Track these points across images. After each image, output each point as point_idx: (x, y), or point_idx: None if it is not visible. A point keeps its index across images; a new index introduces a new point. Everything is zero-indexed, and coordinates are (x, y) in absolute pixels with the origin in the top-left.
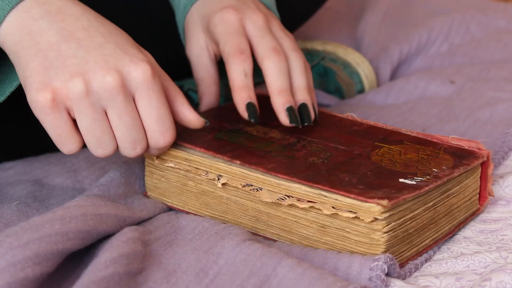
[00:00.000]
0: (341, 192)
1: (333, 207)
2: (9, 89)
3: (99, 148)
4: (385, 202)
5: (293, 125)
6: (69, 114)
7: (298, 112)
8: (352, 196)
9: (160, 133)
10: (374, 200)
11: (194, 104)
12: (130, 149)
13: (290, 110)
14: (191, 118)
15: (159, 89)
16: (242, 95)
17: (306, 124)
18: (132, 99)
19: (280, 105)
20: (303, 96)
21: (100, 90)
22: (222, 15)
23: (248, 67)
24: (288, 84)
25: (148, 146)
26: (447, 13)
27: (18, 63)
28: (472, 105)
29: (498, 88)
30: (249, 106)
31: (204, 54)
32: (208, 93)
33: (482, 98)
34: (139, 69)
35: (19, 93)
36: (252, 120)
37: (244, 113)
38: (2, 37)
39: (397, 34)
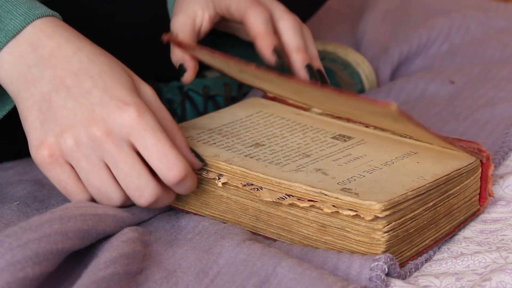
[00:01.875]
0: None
1: (333, 206)
2: (2, 113)
3: (103, 199)
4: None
5: (313, 80)
6: (72, 166)
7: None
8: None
9: (166, 170)
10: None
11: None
12: (138, 197)
13: (309, 67)
14: (188, 159)
15: (151, 126)
16: (268, 41)
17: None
18: (127, 145)
19: (299, 61)
20: (317, 63)
21: (89, 141)
22: None
23: (269, 16)
24: (304, 43)
25: (162, 190)
26: (447, 13)
27: (20, 114)
28: (472, 105)
29: (498, 88)
30: (276, 51)
31: (188, 22)
32: (188, 65)
33: (482, 98)
34: (124, 114)
35: None
36: (278, 63)
37: (271, 58)
38: (4, 84)
39: (397, 34)
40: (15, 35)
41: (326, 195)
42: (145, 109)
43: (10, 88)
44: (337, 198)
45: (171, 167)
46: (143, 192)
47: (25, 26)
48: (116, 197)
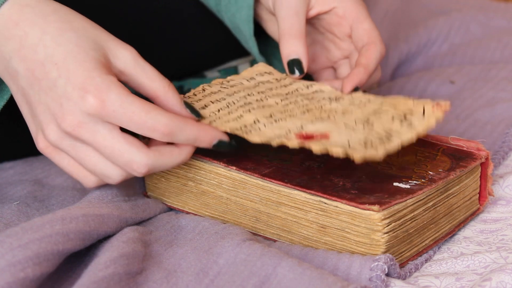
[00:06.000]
0: (333, 198)
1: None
2: (0, 103)
3: (105, 178)
4: (376, 207)
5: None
6: None
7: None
8: (344, 201)
9: (150, 132)
10: (365, 206)
11: None
12: (131, 171)
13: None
14: (182, 115)
15: (119, 105)
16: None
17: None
18: (103, 127)
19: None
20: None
21: (66, 135)
22: None
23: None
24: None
25: (157, 154)
26: (447, 13)
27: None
28: (472, 105)
29: (498, 88)
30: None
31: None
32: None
33: (482, 98)
34: (87, 104)
35: None
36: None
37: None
38: None
39: (397, 34)
40: None
41: (325, 203)
42: (107, 90)
43: (2, 80)
44: (336, 206)
45: (153, 128)
46: (133, 166)
47: None
48: (115, 174)
